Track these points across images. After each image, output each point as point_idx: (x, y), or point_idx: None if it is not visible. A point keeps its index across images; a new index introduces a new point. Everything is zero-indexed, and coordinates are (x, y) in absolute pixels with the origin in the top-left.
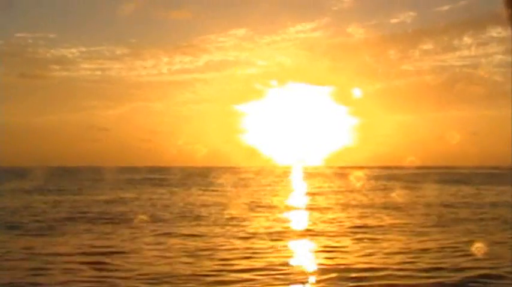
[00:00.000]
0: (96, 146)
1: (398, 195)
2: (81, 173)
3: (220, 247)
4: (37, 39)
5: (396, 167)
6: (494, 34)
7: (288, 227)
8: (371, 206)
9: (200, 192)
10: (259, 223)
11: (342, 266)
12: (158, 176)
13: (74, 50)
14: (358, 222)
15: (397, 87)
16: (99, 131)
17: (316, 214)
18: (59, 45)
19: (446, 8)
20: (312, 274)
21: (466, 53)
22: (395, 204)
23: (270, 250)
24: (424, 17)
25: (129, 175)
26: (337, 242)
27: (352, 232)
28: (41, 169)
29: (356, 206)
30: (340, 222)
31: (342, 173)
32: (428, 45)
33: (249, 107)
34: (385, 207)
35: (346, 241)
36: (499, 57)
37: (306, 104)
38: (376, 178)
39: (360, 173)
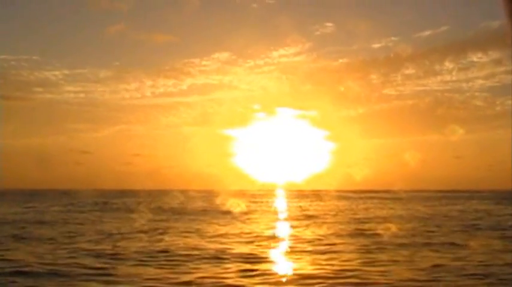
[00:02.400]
0: (78, 169)
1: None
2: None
3: None
4: (20, 61)
5: (375, 191)
6: (475, 59)
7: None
8: None
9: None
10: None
11: None
12: (119, 200)
13: (57, 73)
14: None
15: (379, 111)
16: (81, 154)
17: None
18: (42, 67)
19: (427, 33)
20: None
21: (447, 77)
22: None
23: None
24: (405, 42)
25: (91, 199)
26: None
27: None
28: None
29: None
30: None
31: (312, 195)
32: (410, 70)
33: (232, 131)
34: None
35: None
36: (480, 81)
37: (288, 129)
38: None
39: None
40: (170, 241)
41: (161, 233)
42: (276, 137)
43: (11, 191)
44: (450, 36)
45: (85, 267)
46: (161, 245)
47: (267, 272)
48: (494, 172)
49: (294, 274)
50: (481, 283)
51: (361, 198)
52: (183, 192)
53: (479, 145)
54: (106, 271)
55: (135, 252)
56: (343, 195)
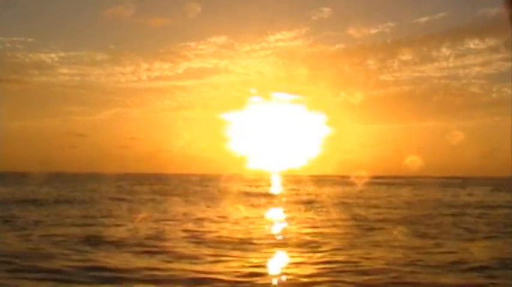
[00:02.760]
0: (73, 152)
1: None
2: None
3: None
4: (15, 43)
5: (373, 177)
6: (472, 46)
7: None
8: None
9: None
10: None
11: None
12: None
13: (52, 55)
14: None
15: (376, 97)
16: (76, 137)
17: None
18: (38, 50)
19: (425, 19)
20: None
21: (444, 64)
22: None
23: None
24: (403, 28)
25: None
26: None
27: None
28: (16, 175)
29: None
30: None
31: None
32: (407, 56)
33: (228, 115)
34: None
35: None
36: (477, 68)
37: (284, 113)
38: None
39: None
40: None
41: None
42: (271, 122)
43: (10, 174)
44: (447, 22)
45: None
46: None
47: None
48: (490, 159)
49: None
50: None
51: (350, 184)
52: (185, 176)
53: (475, 131)
54: None
55: None
56: (339, 181)
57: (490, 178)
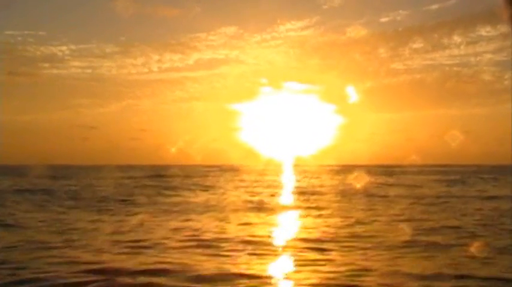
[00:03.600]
0: (85, 145)
1: None
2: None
3: None
4: (26, 36)
5: (388, 166)
6: (484, 33)
7: None
8: None
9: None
10: None
11: None
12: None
13: (63, 48)
14: None
15: (387, 85)
16: (87, 129)
17: None
18: (49, 43)
19: (436, 6)
20: None
21: (455, 51)
22: None
23: None
24: (414, 16)
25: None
26: None
27: None
28: (30, 167)
29: None
30: None
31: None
32: (418, 44)
33: (239, 106)
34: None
35: None
36: (489, 56)
37: (295, 103)
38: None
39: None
40: None
41: None
42: (283, 112)
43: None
44: (459, 9)
45: None
46: None
47: None
48: (502, 147)
49: None
50: None
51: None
52: (196, 167)
53: (487, 119)
54: None
55: None
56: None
57: (502, 166)
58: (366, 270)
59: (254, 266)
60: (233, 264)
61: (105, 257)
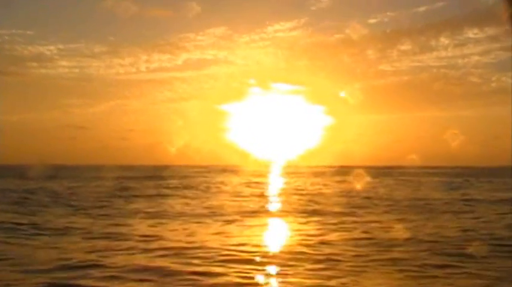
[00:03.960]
0: (73, 144)
1: None
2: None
3: None
4: (14, 36)
5: (376, 167)
6: (471, 35)
7: None
8: None
9: None
10: None
11: None
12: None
13: (51, 47)
14: None
15: (375, 87)
16: (76, 129)
17: None
18: (37, 42)
19: (423, 8)
20: None
21: (443, 53)
22: None
23: None
24: (402, 18)
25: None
26: None
27: None
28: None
29: None
30: None
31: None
32: (406, 46)
33: (228, 106)
34: None
35: None
36: (476, 58)
37: (284, 104)
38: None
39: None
40: None
41: None
42: (271, 112)
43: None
44: (446, 12)
45: None
46: None
47: None
48: (489, 148)
49: None
50: None
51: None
52: (186, 168)
53: (474, 121)
54: None
55: None
56: (339, 171)
57: (489, 168)
58: None
59: None
60: None
61: None
